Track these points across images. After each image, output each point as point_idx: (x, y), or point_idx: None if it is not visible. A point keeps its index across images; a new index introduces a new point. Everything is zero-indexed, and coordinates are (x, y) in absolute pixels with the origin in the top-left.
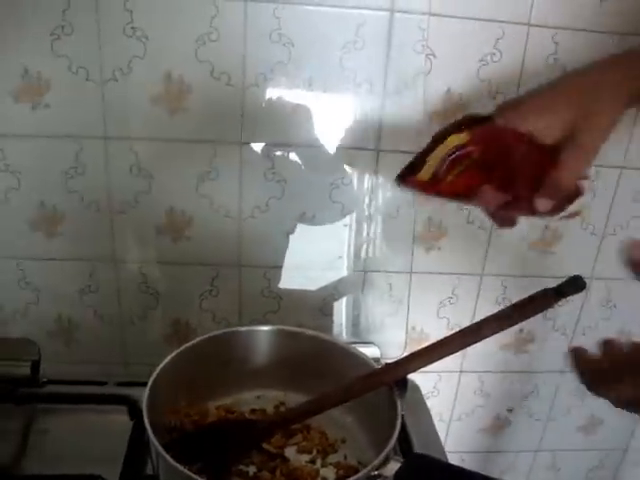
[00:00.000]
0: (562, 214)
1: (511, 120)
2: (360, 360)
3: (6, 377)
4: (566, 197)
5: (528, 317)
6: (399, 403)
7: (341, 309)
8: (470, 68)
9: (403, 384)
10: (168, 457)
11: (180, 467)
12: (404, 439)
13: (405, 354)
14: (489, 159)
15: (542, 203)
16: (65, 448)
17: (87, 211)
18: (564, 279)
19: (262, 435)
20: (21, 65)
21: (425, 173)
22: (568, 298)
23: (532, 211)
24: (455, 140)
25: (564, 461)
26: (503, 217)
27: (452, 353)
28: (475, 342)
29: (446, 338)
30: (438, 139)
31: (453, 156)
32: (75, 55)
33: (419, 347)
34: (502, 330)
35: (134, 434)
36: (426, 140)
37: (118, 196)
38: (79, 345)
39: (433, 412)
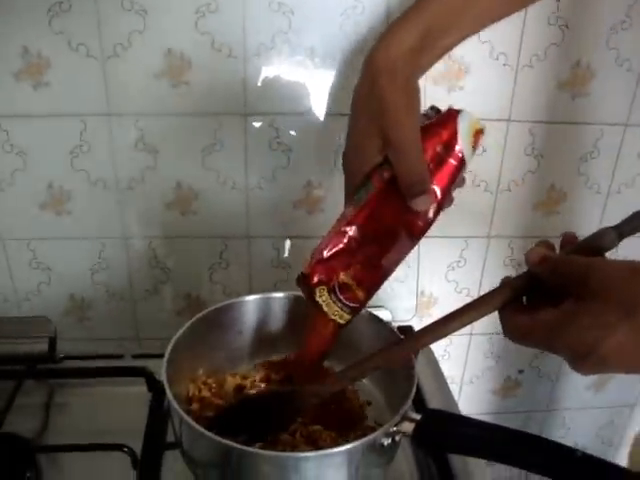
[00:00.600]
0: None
1: None
2: (373, 324)
3: (24, 355)
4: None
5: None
6: (414, 362)
7: None
8: None
9: None
10: (192, 422)
11: (204, 430)
12: (419, 401)
13: (415, 318)
14: None
15: (419, 203)
16: (85, 421)
17: (94, 189)
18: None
19: (302, 407)
20: (20, 44)
21: None
22: None
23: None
24: None
25: (574, 420)
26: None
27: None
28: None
29: (457, 310)
30: None
31: None
32: (74, 31)
33: (428, 311)
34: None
35: (153, 405)
36: None
37: (124, 173)
38: (92, 323)
39: (445, 375)
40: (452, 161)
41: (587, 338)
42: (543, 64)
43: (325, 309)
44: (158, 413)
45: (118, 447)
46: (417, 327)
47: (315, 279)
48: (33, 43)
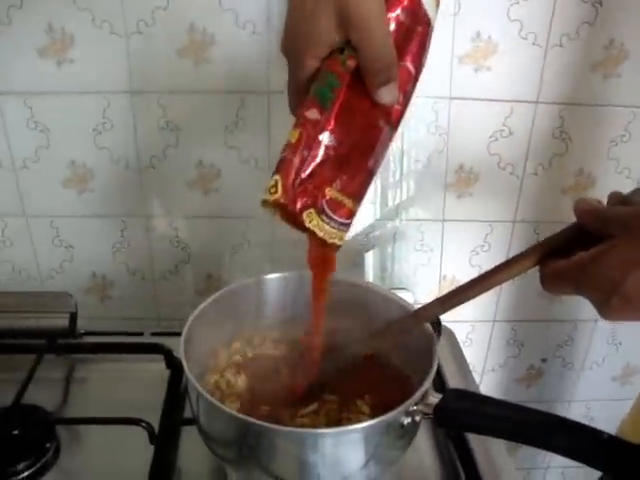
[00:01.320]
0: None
1: None
2: (394, 304)
3: (45, 329)
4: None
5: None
6: (435, 339)
7: (372, 259)
8: None
9: (437, 327)
10: (209, 396)
11: (220, 405)
12: (440, 384)
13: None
14: None
15: (384, 94)
16: (105, 396)
17: (117, 167)
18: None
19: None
20: (45, 21)
21: None
22: None
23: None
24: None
25: (598, 411)
26: None
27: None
28: (515, 276)
29: (482, 275)
30: None
31: None
32: (98, 8)
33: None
34: (541, 262)
35: (171, 381)
36: None
37: (147, 151)
38: (113, 301)
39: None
40: (419, 28)
41: (613, 274)
42: (574, 43)
43: (320, 234)
44: (176, 390)
45: (136, 422)
46: None
47: (299, 204)
48: (57, 19)
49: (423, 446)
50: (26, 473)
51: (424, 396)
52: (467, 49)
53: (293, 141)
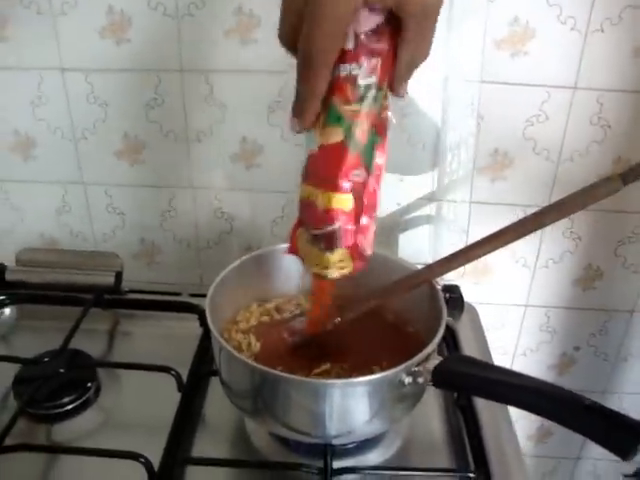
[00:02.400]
0: None
1: None
2: (398, 265)
3: (94, 286)
4: None
5: (591, 203)
6: (443, 305)
7: (405, 238)
8: None
9: (459, 303)
10: (228, 347)
11: (238, 355)
12: None
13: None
14: None
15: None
16: (144, 348)
17: (166, 140)
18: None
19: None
20: (106, 2)
21: None
22: None
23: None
24: None
25: (632, 404)
26: None
27: (508, 243)
28: (533, 230)
29: (501, 230)
30: None
31: None
32: None
33: (484, 278)
34: (563, 217)
35: (203, 337)
36: None
37: (194, 125)
38: (160, 266)
39: (496, 345)
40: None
41: None
42: (616, 28)
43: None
44: (206, 345)
45: (166, 369)
46: (464, 288)
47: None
48: (117, 1)
49: (433, 415)
50: (70, 406)
51: (427, 358)
52: (504, 34)
53: (347, 208)
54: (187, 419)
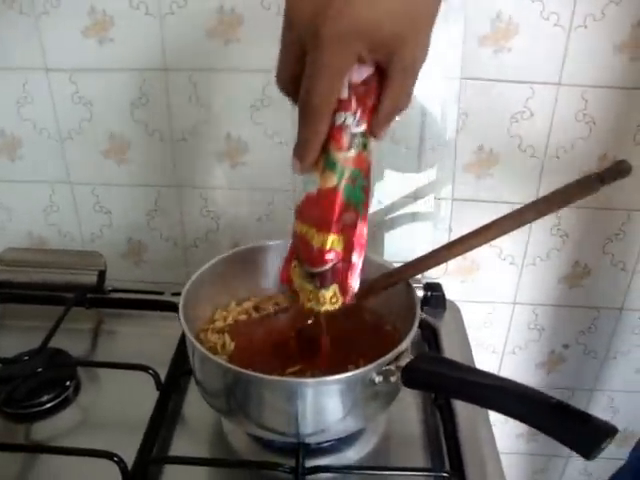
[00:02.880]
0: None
1: None
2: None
3: (77, 285)
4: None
5: (570, 202)
6: (417, 302)
7: (390, 237)
8: None
9: (440, 301)
10: (201, 347)
11: (211, 355)
12: None
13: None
14: None
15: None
16: (125, 347)
17: (151, 139)
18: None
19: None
20: (88, 3)
21: None
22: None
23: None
24: None
25: (622, 402)
26: None
27: (490, 240)
28: (515, 228)
29: (482, 227)
30: None
31: None
32: None
33: (471, 276)
34: (544, 215)
35: (182, 337)
36: None
37: (179, 125)
38: (147, 266)
39: (486, 344)
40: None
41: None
42: (599, 24)
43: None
44: (185, 345)
45: (144, 368)
46: (450, 286)
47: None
48: (99, 1)
49: (410, 413)
50: (48, 405)
51: (399, 356)
52: (487, 30)
53: (339, 249)
54: (164, 418)
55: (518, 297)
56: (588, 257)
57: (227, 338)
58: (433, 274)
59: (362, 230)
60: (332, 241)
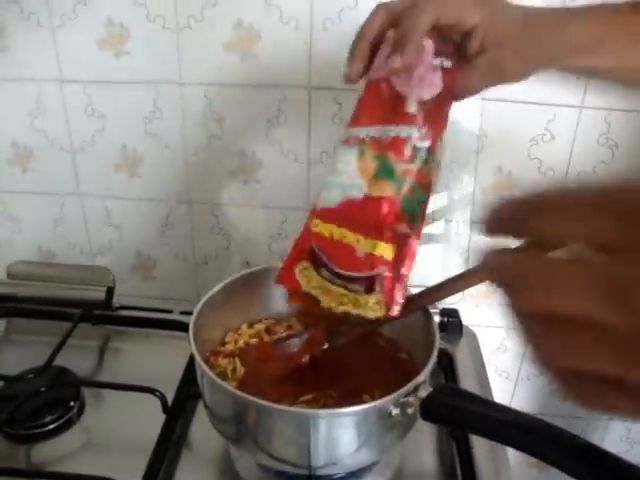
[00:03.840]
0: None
1: None
2: None
3: (84, 301)
4: None
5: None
6: (436, 330)
7: None
8: None
9: (457, 327)
10: (211, 373)
11: (221, 382)
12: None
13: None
14: None
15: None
16: (132, 366)
17: (164, 153)
18: None
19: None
20: (105, 15)
21: None
22: None
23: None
24: None
25: (638, 433)
26: None
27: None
28: None
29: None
30: None
31: None
32: (152, 3)
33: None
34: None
35: (191, 359)
36: None
37: (192, 139)
38: (156, 281)
39: (499, 370)
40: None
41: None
42: None
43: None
44: (194, 366)
45: (151, 390)
46: (465, 310)
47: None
48: (116, 14)
49: (425, 447)
50: (52, 426)
51: (416, 389)
52: None
53: (388, 257)
54: (170, 443)
55: None
56: None
57: (238, 363)
58: (450, 299)
59: (414, 244)
60: (382, 247)
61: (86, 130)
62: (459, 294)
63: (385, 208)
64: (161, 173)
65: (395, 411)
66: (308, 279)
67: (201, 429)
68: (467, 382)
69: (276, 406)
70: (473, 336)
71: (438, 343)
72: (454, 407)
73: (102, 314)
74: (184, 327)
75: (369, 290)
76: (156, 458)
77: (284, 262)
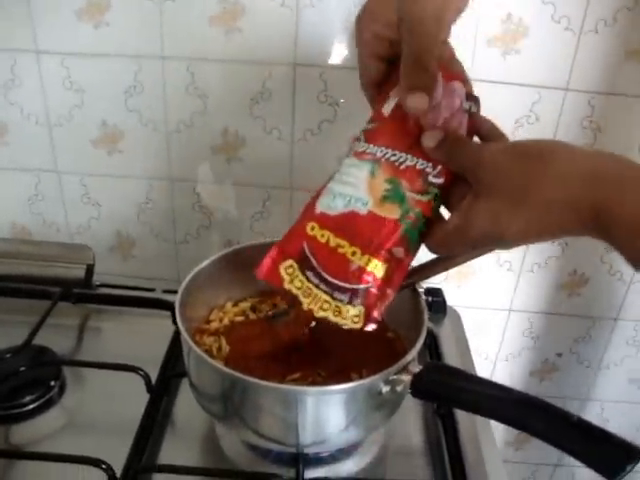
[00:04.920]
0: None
1: None
2: None
3: (63, 279)
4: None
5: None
6: (424, 309)
7: None
8: None
9: (441, 307)
10: (198, 349)
11: (207, 358)
12: None
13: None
14: None
15: (410, 99)
16: (114, 345)
17: (145, 129)
18: None
19: None
20: None
21: None
22: None
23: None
24: None
25: (613, 413)
26: None
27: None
28: None
29: None
30: None
31: None
32: None
33: (462, 280)
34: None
35: (174, 337)
36: None
37: (174, 115)
38: (136, 260)
39: (479, 350)
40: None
41: (492, 234)
42: (610, 30)
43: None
44: (178, 345)
45: (135, 369)
46: (447, 291)
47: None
48: None
49: (411, 424)
50: (31, 406)
51: (405, 367)
52: (497, 31)
53: (379, 275)
54: (155, 422)
55: (514, 304)
56: (586, 266)
57: (223, 341)
58: (434, 279)
59: (404, 269)
60: (375, 265)
61: (64, 104)
62: (443, 274)
63: (387, 230)
64: (141, 150)
65: (385, 389)
66: (291, 278)
67: (185, 408)
68: (451, 361)
69: (265, 383)
70: (457, 316)
71: (427, 321)
72: (445, 384)
73: (82, 292)
74: (167, 305)
75: (351, 301)
76: (141, 437)
77: (268, 255)
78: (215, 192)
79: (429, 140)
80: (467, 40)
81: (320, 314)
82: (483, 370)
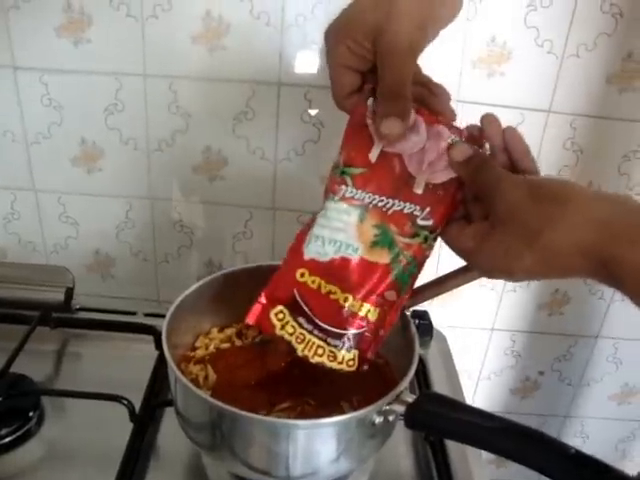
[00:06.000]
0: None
1: None
2: None
3: (40, 302)
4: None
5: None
6: (415, 337)
7: None
8: None
9: (428, 329)
10: (185, 380)
11: (195, 389)
12: (426, 389)
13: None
14: None
15: (385, 125)
16: (95, 372)
17: (125, 148)
18: None
19: None
20: None
21: None
22: None
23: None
24: None
25: (594, 429)
26: None
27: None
28: None
29: None
30: None
31: None
32: None
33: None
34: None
35: (158, 363)
36: None
37: (156, 134)
38: (115, 280)
39: (461, 369)
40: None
41: (500, 265)
42: (591, 54)
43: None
44: (162, 371)
45: (118, 398)
46: (431, 311)
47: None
48: None
49: (400, 450)
50: (8, 439)
51: (398, 396)
52: (482, 54)
53: (372, 319)
54: (139, 453)
55: (496, 323)
56: (567, 285)
57: (210, 370)
58: None
59: (397, 311)
60: (368, 310)
61: (42, 121)
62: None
63: (379, 275)
64: (121, 168)
65: (378, 419)
66: (282, 324)
67: (170, 436)
68: (439, 384)
69: (256, 416)
70: (443, 339)
71: (418, 348)
72: (439, 415)
73: (61, 317)
74: (150, 330)
75: (346, 346)
76: (125, 470)
77: (257, 301)
78: (197, 211)
79: (457, 154)
80: (454, 62)
81: (316, 360)
82: (465, 389)
